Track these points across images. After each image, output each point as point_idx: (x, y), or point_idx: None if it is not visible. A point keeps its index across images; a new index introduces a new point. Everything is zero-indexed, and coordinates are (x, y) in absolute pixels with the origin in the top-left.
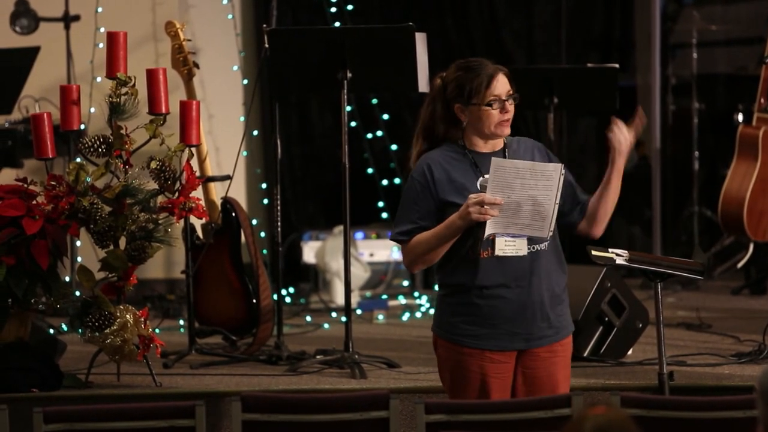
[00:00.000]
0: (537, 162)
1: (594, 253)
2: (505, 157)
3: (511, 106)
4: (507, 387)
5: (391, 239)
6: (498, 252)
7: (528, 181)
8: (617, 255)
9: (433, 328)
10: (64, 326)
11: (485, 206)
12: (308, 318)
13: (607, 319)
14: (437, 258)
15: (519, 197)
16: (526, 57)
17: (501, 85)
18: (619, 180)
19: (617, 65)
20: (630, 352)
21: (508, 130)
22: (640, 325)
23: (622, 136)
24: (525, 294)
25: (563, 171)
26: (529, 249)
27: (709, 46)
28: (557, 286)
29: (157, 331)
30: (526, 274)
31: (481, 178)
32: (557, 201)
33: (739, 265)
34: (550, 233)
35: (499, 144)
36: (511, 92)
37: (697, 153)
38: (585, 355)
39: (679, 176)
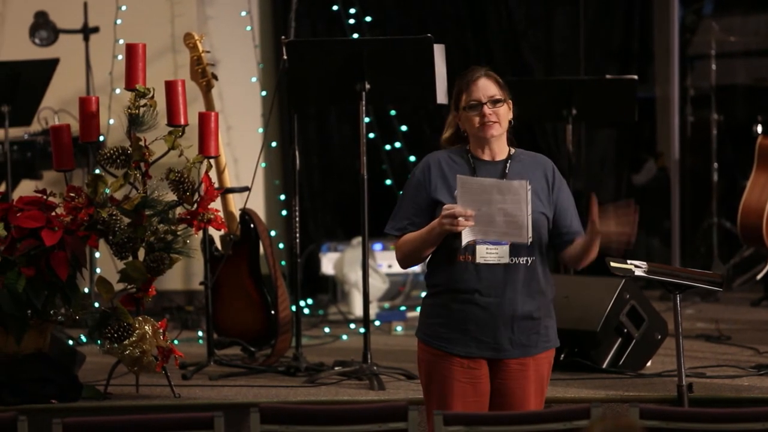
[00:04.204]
0: (503, 180)
1: (613, 264)
2: (506, 168)
3: (492, 110)
4: (480, 394)
5: (385, 232)
6: (479, 259)
7: (495, 196)
8: (636, 266)
9: (416, 331)
10: (83, 337)
11: (458, 218)
12: (327, 329)
13: (626, 330)
14: (423, 258)
15: (489, 210)
16: (545, 69)
17: (480, 89)
18: (597, 247)
19: (636, 77)
20: (649, 363)
21: (493, 132)
22: (659, 337)
23: (609, 227)
24: (496, 304)
25: (529, 186)
26: (510, 260)
27: (728, 57)
28: (533, 303)
29: (175, 342)
30: (501, 285)
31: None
32: (529, 212)
33: (759, 276)
34: (530, 239)
35: (501, 154)
36: (494, 96)
37: (716, 164)
38: (604, 366)
39: (698, 188)
